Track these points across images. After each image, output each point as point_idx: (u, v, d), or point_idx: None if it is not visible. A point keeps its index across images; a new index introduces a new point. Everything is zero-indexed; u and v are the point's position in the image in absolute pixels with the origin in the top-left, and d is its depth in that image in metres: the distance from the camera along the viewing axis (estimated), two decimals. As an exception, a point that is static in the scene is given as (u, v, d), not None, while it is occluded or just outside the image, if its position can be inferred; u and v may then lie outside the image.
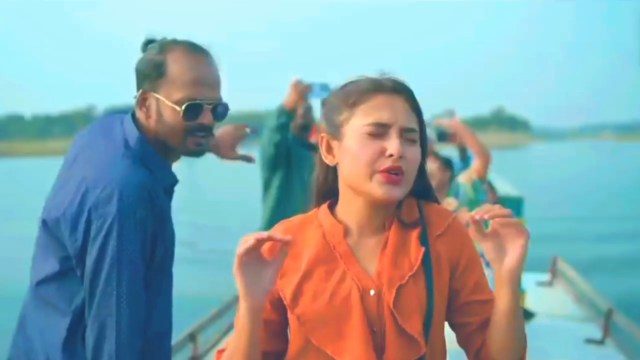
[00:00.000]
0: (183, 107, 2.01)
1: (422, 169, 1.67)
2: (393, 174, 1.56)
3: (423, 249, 1.61)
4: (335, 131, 1.63)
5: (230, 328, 5.52)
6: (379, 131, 1.58)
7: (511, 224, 1.51)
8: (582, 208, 22.43)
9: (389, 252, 1.61)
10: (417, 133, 1.61)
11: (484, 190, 4.91)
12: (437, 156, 4.88)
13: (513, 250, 1.52)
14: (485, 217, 1.50)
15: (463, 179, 4.85)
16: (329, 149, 1.66)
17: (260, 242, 1.46)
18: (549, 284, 7.25)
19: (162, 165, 2.06)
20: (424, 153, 1.66)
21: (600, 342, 5.26)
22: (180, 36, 2.12)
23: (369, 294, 1.58)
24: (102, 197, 1.91)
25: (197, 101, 2.03)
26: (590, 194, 27.78)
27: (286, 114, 4.71)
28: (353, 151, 1.59)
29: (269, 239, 1.46)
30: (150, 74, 2.04)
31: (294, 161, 4.89)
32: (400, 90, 1.62)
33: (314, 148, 4.30)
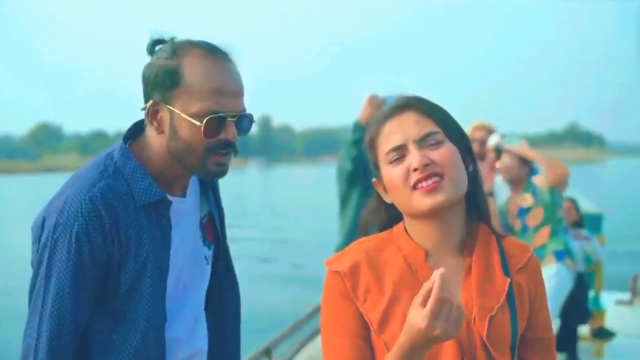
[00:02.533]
0: (204, 122, 1.75)
1: (474, 178, 1.64)
2: (428, 183, 1.54)
3: (509, 280, 1.59)
4: (377, 172, 1.66)
5: (304, 343, 5.56)
6: (399, 154, 1.58)
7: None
8: (662, 225, 21.64)
9: (475, 279, 1.58)
10: (437, 134, 1.59)
11: (560, 196, 4.84)
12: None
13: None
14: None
15: (539, 181, 4.78)
16: (384, 190, 1.66)
17: None
18: (630, 302, 7.07)
19: (142, 180, 1.80)
20: (468, 154, 1.63)
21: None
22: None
23: None
24: (51, 208, 1.77)
25: (220, 114, 1.77)
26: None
27: (361, 128, 4.70)
28: (389, 183, 1.60)
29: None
30: (163, 83, 1.77)
31: (370, 176, 4.89)
32: (405, 106, 1.62)
33: None
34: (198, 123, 1.75)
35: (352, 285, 1.59)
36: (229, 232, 2.13)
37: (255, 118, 1.87)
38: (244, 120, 1.83)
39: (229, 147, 1.81)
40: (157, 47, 1.85)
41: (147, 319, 1.80)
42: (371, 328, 1.57)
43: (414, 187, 1.55)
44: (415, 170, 1.54)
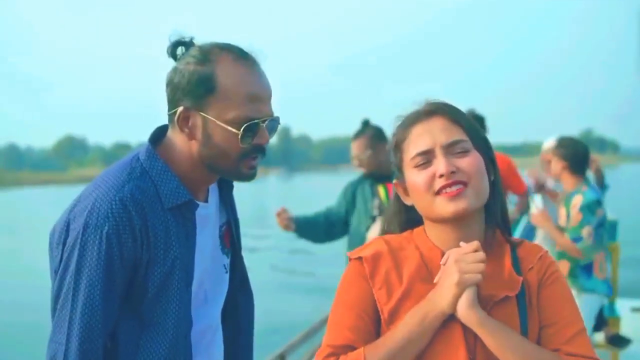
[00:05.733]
0: (241, 130, 1.75)
1: (495, 187, 1.66)
2: (452, 189, 1.57)
3: (521, 278, 1.62)
4: (400, 174, 1.69)
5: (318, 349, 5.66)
6: (425, 159, 1.60)
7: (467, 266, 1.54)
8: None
9: (484, 278, 1.58)
10: (465, 142, 1.61)
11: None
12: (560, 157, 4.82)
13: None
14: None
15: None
16: (405, 192, 1.69)
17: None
18: (645, 309, 7.03)
19: (170, 181, 1.78)
20: (492, 163, 1.65)
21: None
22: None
23: None
24: (78, 210, 1.72)
25: (255, 120, 1.77)
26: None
27: None
28: (413, 185, 1.63)
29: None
30: (196, 90, 1.74)
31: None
32: (435, 111, 1.64)
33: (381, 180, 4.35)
34: (235, 130, 1.74)
35: (371, 270, 1.64)
36: (250, 242, 2.17)
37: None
38: (273, 124, 1.83)
39: (261, 152, 1.82)
40: (178, 50, 1.82)
41: (175, 326, 1.77)
42: (381, 317, 1.61)
43: (438, 193, 1.58)
44: (441, 176, 1.57)
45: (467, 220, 1.62)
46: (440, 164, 1.58)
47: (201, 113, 1.75)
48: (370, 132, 4.46)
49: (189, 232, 1.81)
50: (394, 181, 1.72)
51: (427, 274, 1.63)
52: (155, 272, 1.74)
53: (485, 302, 1.57)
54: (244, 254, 2.12)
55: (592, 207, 4.61)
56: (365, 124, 4.53)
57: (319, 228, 4.63)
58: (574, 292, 4.46)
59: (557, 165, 4.82)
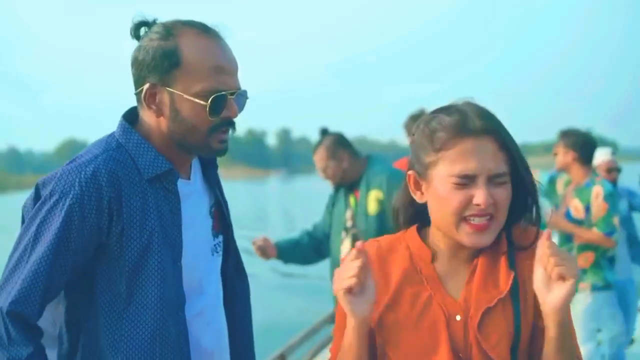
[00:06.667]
0: (209, 101, 1.74)
1: (524, 201, 1.63)
2: (481, 222, 1.55)
3: (513, 273, 1.60)
4: (423, 172, 1.62)
5: (318, 350, 5.69)
6: (467, 181, 1.55)
7: (565, 261, 1.47)
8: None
9: (477, 278, 1.60)
10: (506, 176, 1.57)
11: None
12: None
13: (559, 290, 1.49)
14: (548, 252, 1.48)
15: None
16: (417, 186, 1.65)
17: (360, 273, 1.50)
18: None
19: (147, 152, 1.77)
20: (523, 183, 1.61)
21: None
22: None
23: (455, 319, 1.58)
24: (48, 177, 1.74)
25: (222, 92, 1.75)
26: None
27: None
28: (440, 199, 1.57)
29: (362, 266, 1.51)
30: (161, 65, 1.74)
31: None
32: (487, 130, 1.57)
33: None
34: (202, 102, 1.73)
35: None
36: (250, 244, 2.15)
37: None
38: (241, 97, 1.82)
39: (230, 125, 1.81)
40: (142, 30, 1.82)
41: (161, 301, 1.75)
42: (372, 324, 1.60)
43: (465, 218, 1.56)
44: (477, 206, 1.54)
45: None
46: (480, 195, 1.54)
47: (168, 88, 1.75)
48: (329, 141, 4.23)
49: (173, 206, 1.80)
50: (409, 171, 1.66)
51: (414, 276, 1.63)
52: (131, 245, 1.73)
53: (478, 307, 1.57)
54: (243, 255, 2.12)
55: (614, 197, 4.59)
56: (323, 132, 4.33)
57: (304, 248, 4.40)
58: (587, 292, 4.52)
59: (566, 156, 4.72)
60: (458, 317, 1.58)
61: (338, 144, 4.22)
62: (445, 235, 1.63)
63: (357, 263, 1.51)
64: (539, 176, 6.08)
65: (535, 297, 1.55)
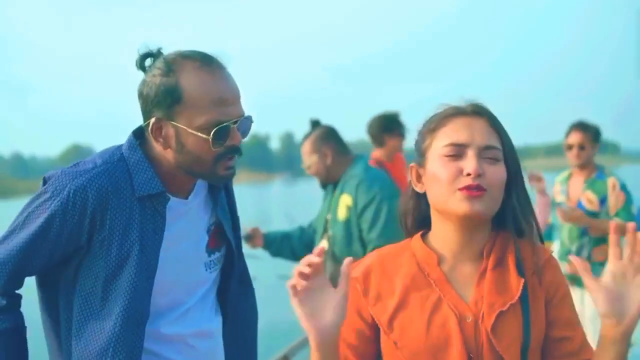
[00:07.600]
0: (211, 134, 1.80)
1: (519, 196, 1.64)
2: (473, 190, 1.56)
3: (523, 280, 1.60)
4: (421, 158, 1.66)
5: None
6: (457, 151, 1.58)
7: None
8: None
9: (489, 280, 1.60)
10: (498, 150, 1.60)
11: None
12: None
13: (634, 305, 1.46)
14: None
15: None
16: (418, 177, 1.68)
17: (309, 271, 1.46)
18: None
19: (144, 172, 1.85)
20: (515, 177, 1.63)
21: None
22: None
23: (466, 320, 1.58)
24: (54, 174, 1.86)
25: (224, 123, 1.81)
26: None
27: None
28: (434, 173, 1.60)
29: (310, 264, 1.46)
30: (164, 101, 1.80)
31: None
32: (481, 113, 1.63)
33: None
34: (205, 136, 1.79)
35: (364, 288, 1.65)
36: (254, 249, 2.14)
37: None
38: (245, 123, 1.87)
39: (236, 152, 1.87)
40: (147, 61, 1.88)
41: (124, 311, 1.82)
42: (381, 329, 1.63)
43: (458, 189, 1.56)
44: (468, 175, 1.56)
45: (474, 226, 1.62)
46: (471, 163, 1.56)
47: (172, 122, 1.81)
48: (316, 134, 3.92)
49: (157, 226, 1.87)
50: (411, 164, 1.69)
51: (422, 280, 1.64)
52: (110, 254, 1.82)
53: (491, 311, 1.57)
54: (247, 260, 2.15)
55: (627, 187, 4.61)
56: (314, 124, 4.01)
57: (294, 242, 4.12)
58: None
59: (593, 150, 4.72)
60: (469, 318, 1.58)
61: (324, 138, 3.92)
62: (447, 234, 1.63)
63: (307, 269, 1.46)
64: (544, 180, 6.02)
65: (546, 306, 1.60)
